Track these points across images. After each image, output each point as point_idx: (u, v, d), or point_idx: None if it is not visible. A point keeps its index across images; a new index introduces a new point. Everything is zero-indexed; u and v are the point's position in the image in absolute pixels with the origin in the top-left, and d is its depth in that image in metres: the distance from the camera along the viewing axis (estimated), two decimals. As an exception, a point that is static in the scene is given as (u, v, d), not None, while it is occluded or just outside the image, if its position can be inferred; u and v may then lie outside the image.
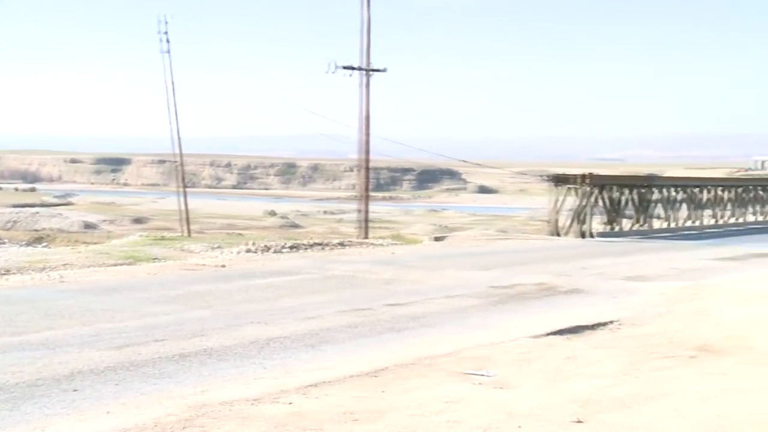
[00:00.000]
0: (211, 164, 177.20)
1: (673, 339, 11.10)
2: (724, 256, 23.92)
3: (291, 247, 23.84)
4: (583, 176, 32.46)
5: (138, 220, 77.07)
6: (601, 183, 33.21)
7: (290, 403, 7.72)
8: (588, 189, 31.98)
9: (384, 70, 32.72)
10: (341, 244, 25.79)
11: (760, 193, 42.77)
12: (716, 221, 39.00)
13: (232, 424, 7.05)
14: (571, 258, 22.67)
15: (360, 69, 32.10)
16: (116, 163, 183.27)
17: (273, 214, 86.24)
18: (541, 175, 60.70)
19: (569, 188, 32.49)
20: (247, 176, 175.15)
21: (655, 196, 35.66)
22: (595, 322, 12.32)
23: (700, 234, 35.60)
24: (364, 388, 8.33)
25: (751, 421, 7.26)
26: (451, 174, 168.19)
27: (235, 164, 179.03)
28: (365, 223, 33.12)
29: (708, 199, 38.79)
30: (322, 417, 7.29)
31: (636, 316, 12.90)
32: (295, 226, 74.34)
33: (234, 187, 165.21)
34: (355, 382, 8.61)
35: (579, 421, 7.17)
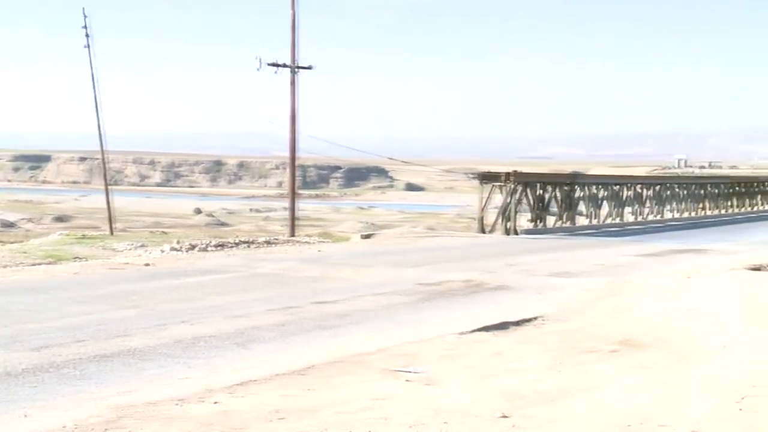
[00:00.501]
0: (135, 161, 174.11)
1: (597, 334, 11.31)
2: (645, 253, 24.50)
3: (217, 246, 23.59)
4: (509, 174, 32.86)
5: (60, 219, 75.05)
6: (526, 181, 33.67)
7: (216, 403, 7.62)
8: (514, 187, 32.39)
9: (311, 68, 32.64)
10: (268, 243, 25.61)
11: (677, 190, 43.99)
12: (637, 218, 39.95)
13: (156, 425, 6.91)
14: (497, 255, 22.94)
15: (286, 66, 31.93)
16: (36, 160, 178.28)
17: (199, 212, 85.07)
18: (467, 173, 61.37)
19: (496, 186, 32.87)
20: (172, 174, 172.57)
21: (579, 193, 36.33)
22: (521, 318, 12.48)
23: (622, 230, 36.40)
24: (292, 387, 8.27)
25: (671, 413, 7.43)
26: (379, 172, 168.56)
27: (159, 162, 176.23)
28: (293, 221, 32.96)
29: (629, 197, 39.71)
30: (248, 416, 7.21)
31: (561, 312, 13.11)
32: (222, 224, 73.42)
33: (159, 185, 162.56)
34: (283, 380, 8.55)
35: (505, 416, 7.25)
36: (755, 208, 51.62)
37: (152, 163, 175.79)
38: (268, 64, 31.76)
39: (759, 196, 53.12)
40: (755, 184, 54.32)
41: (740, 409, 7.56)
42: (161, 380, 8.53)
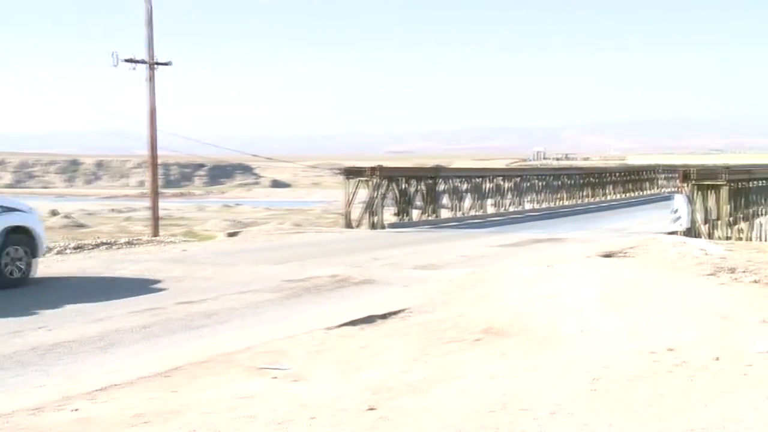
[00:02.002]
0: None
1: (461, 324, 11.56)
2: (506, 243, 25.22)
3: (76, 248, 22.74)
4: (373, 169, 33.21)
5: None
6: (390, 175, 34.10)
7: (76, 410, 7.36)
8: (378, 181, 32.74)
9: (169, 64, 31.84)
10: (130, 243, 24.89)
11: (536, 182, 45.60)
12: (498, 210, 41.15)
13: (11, 437, 6.62)
14: (364, 249, 23.11)
15: (143, 62, 31.09)
16: None
17: (55, 213, 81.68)
18: (332, 169, 61.54)
19: (361, 181, 33.16)
20: (24, 174, 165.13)
21: (442, 186, 37.07)
22: (387, 311, 12.60)
23: (484, 222, 37.37)
24: (156, 389, 8.09)
25: (532, 397, 7.70)
26: (244, 169, 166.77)
27: (9, 162, 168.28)
28: (155, 221, 32.16)
29: (490, 189, 40.84)
30: (110, 421, 7.00)
31: (426, 304, 13.32)
32: (81, 225, 70.67)
33: (10, 186, 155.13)
34: (147, 383, 8.34)
35: (372, 408, 7.32)
36: (607, 198, 54.21)
37: (1, 163, 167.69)
38: (124, 60, 30.83)
39: (609, 186, 55.82)
40: (606, 174, 57.04)
41: (594, 390, 7.92)
42: (15, 390, 8.16)
